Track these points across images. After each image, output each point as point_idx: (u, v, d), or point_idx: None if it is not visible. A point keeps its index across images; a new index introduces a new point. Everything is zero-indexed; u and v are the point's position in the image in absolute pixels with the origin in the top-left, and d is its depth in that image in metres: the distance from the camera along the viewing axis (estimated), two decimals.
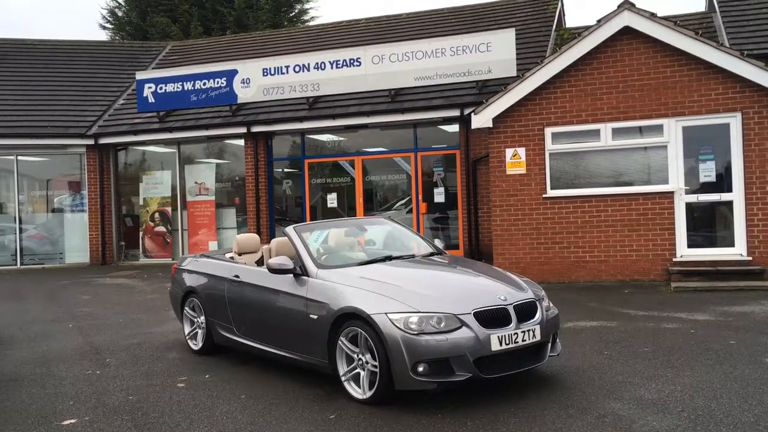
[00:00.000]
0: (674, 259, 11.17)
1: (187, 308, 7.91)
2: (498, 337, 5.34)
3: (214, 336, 7.46)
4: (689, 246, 11.25)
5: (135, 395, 6.19)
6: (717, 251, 11.14)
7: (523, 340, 5.47)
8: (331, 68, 15.50)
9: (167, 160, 18.52)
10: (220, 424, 5.31)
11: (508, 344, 5.38)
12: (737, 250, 11.00)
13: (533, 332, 5.55)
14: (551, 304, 6.09)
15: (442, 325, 5.29)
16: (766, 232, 10.81)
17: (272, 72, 15.95)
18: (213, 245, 17.44)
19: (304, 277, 6.23)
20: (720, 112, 11.05)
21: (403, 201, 16.37)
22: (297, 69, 15.76)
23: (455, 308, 5.39)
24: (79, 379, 6.83)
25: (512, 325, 5.46)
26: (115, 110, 19.06)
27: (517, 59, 14.22)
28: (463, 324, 5.31)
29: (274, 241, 7.21)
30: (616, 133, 11.56)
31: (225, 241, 17.59)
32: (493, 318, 5.43)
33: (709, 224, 11.43)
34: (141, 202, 18.46)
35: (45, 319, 10.47)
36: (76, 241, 18.58)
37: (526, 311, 5.64)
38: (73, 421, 5.56)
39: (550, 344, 5.81)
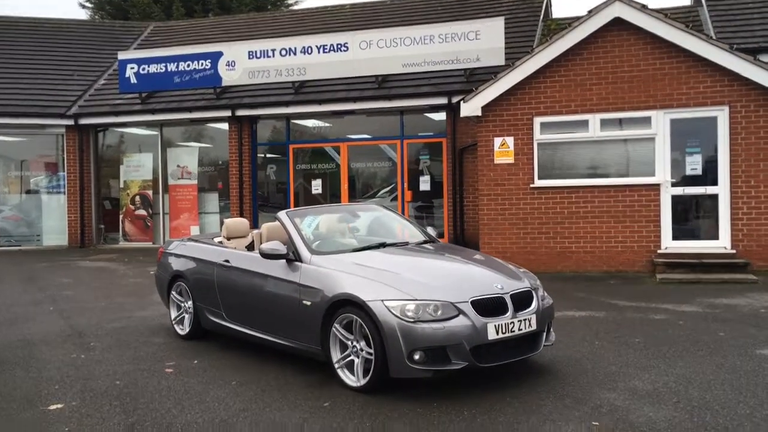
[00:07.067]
0: (659, 251, 11.23)
1: (173, 293, 7.78)
2: (495, 326, 5.30)
3: (202, 321, 7.35)
4: (674, 238, 11.31)
5: (122, 380, 6.07)
6: (701, 244, 11.22)
7: (519, 329, 5.44)
8: (318, 53, 15.32)
9: (149, 142, 18.23)
10: (212, 410, 5.22)
11: (505, 333, 5.35)
12: (721, 243, 11.09)
13: (529, 321, 5.52)
14: (546, 294, 6.08)
15: (439, 313, 5.24)
16: (751, 225, 10.91)
17: (258, 55, 15.74)
18: (195, 230, 17.23)
19: (297, 263, 6.14)
20: (708, 105, 11.09)
21: (388, 188, 16.30)
22: (283, 53, 15.57)
23: (452, 296, 5.34)
24: (64, 363, 6.69)
25: (509, 314, 5.43)
26: (95, 90, 18.71)
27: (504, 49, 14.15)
28: (461, 312, 5.26)
29: (265, 225, 7.10)
30: (605, 124, 11.57)
31: (207, 225, 17.40)
32: (490, 307, 5.39)
33: (694, 217, 11.50)
34: (121, 185, 18.17)
35: (24, 301, 10.26)
36: (54, 223, 18.24)
37: (522, 300, 5.61)
38: (59, 406, 5.43)
39: (545, 334, 5.79)
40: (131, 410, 5.28)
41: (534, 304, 5.67)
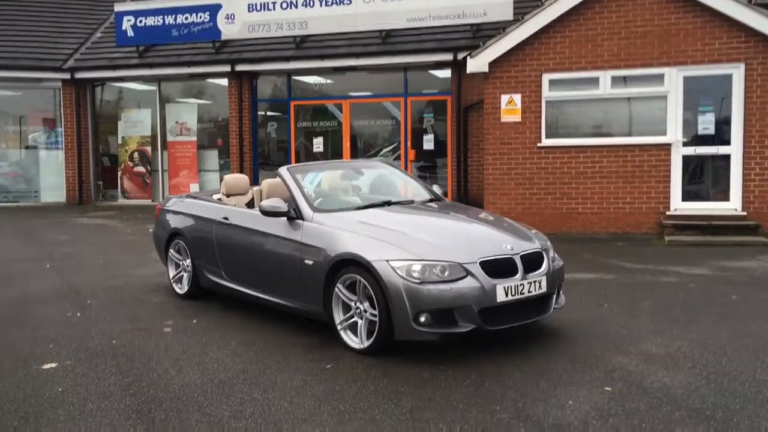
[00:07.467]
0: (668, 213, 11.00)
1: (172, 251, 7.58)
2: (504, 287, 5.10)
3: (201, 280, 7.16)
4: (684, 199, 11.07)
5: (118, 339, 5.90)
6: (711, 205, 10.99)
7: (529, 292, 5.24)
8: (320, 6, 14.85)
9: (147, 98, 17.86)
10: (211, 371, 5.05)
11: (514, 295, 5.15)
12: (732, 205, 10.85)
13: (539, 283, 5.31)
14: (557, 256, 5.86)
15: (447, 274, 5.03)
16: (763, 186, 10.66)
17: (258, 8, 15.28)
18: (194, 187, 16.98)
19: (299, 221, 5.91)
20: (723, 62, 10.74)
21: (391, 147, 16.01)
22: (284, 5, 15.11)
23: (460, 257, 5.12)
24: (59, 321, 6.52)
25: (518, 275, 5.21)
26: (92, 44, 18.26)
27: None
28: (469, 273, 5.05)
29: (265, 182, 6.86)
30: (616, 81, 11.23)
31: (207, 183, 17.14)
32: (499, 268, 5.17)
33: (704, 178, 11.24)
34: (120, 141, 17.86)
35: (21, 258, 10.08)
36: (52, 179, 17.98)
37: (532, 262, 5.39)
38: (53, 365, 5.27)
39: (554, 296, 5.60)
40: (127, 370, 5.11)
41: (544, 266, 5.45)
